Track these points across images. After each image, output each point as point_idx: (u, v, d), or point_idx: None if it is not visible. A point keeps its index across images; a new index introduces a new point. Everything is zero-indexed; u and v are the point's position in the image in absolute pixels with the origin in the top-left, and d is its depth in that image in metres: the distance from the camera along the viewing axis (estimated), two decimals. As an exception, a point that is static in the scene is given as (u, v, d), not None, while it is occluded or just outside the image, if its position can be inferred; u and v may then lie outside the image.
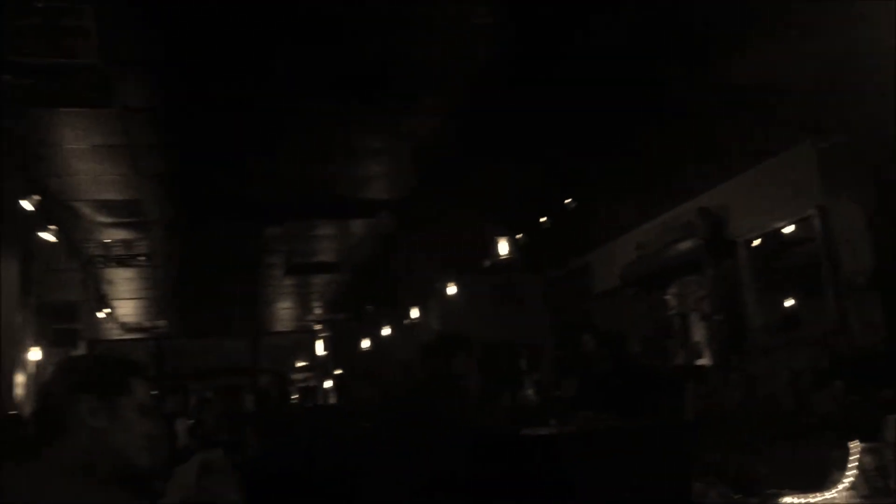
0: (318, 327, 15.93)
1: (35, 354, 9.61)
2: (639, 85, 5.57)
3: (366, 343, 12.49)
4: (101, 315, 11.27)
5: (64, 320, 11.93)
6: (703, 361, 7.69)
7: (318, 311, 14.24)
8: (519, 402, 6.96)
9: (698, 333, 8.03)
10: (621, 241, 9.38)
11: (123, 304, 12.33)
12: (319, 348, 17.20)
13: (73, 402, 1.81)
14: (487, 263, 8.97)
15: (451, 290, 9.59)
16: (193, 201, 7.32)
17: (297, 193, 7.30)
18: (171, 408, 7.61)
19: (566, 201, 7.13)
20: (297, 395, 10.76)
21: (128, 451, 1.80)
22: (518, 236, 7.86)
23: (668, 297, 8.43)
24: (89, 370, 1.92)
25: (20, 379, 8.15)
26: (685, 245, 7.90)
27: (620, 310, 9.27)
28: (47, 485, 1.69)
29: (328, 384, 16.06)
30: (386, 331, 11.03)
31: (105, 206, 7.24)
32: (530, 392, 8.74)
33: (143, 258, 9.11)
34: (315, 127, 5.79)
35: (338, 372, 15.22)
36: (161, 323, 14.34)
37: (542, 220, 7.47)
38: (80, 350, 13.76)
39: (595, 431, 5.22)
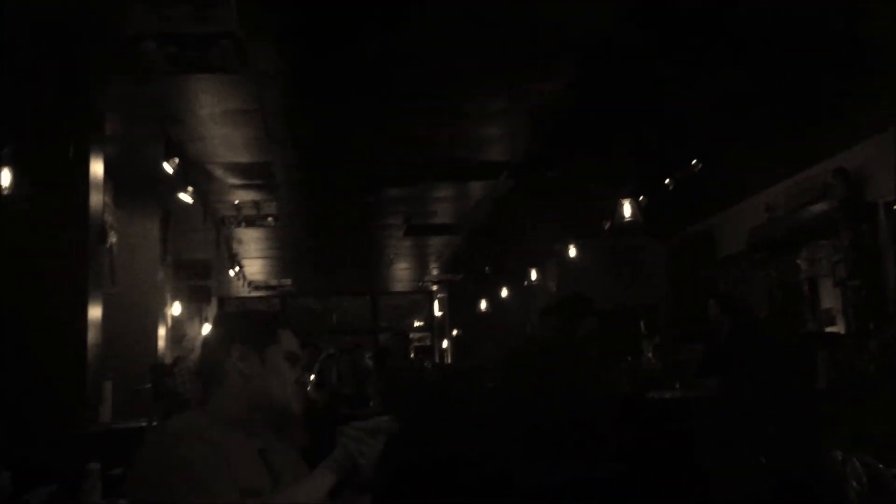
0: (434, 288, 16.17)
1: (176, 309, 10.20)
2: (771, 43, 5.33)
3: (483, 304, 12.59)
4: (231, 273, 11.82)
5: (198, 277, 12.62)
6: (837, 329, 7.36)
7: (435, 271, 14.44)
8: (641, 366, 6.87)
9: (831, 300, 7.67)
10: (748, 204, 9.05)
11: (251, 263, 12.88)
12: (436, 308, 17.48)
13: (227, 354, 1.95)
14: (607, 226, 8.84)
15: (571, 252, 9.52)
16: (319, 164, 7.53)
17: (417, 156, 7.37)
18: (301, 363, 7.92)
19: (692, 163, 6.91)
20: (415, 355, 10.96)
21: (278, 396, 1.94)
22: (640, 199, 7.68)
23: (798, 261, 8.08)
24: (241, 323, 2.06)
25: (161, 332, 8.67)
26: (819, 207, 7.55)
27: (747, 274, 8.97)
28: (211, 433, 1.81)
29: (445, 344, 16.34)
30: (504, 292, 11.08)
31: (237, 168, 7.55)
32: (650, 357, 8.63)
33: (270, 219, 9.46)
34: (438, 90, 5.82)
35: (455, 332, 15.45)
36: (286, 282, 14.91)
37: (666, 181, 7.27)
38: (212, 307, 14.56)
39: (722, 397, 5.17)
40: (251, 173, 7.69)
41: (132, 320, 7.93)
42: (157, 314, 8.47)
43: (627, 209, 7.08)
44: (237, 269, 11.99)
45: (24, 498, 2.82)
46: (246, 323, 2.07)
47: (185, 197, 7.20)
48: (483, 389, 5.93)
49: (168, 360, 8.24)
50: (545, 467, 4.17)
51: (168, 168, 6.48)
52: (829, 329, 7.48)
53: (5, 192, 4.37)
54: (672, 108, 6.50)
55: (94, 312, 5.60)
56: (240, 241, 10.98)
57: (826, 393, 5.48)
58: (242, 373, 1.93)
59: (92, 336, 5.50)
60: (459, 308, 15.15)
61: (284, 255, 12.43)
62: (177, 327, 10.33)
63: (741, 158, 8.07)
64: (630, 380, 5.91)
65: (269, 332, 2.00)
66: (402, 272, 14.77)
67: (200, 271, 12.22)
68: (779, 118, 6.94)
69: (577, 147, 7.22)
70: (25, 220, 5.03)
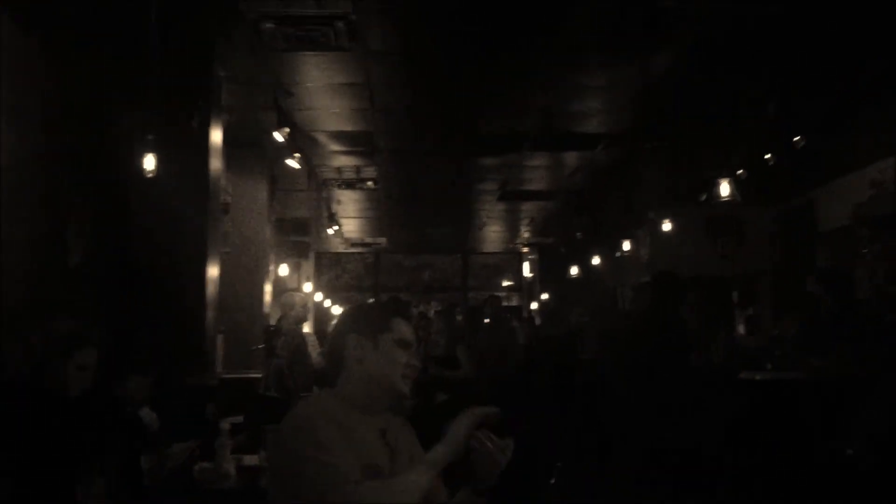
0: (525, 249, 16.30)
1: (283, 270, 10.68)
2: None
3: (574, 270, 12.66)
4: (330, 231, 12.26)
5: (299, 233, 13.16)
6: (942, 312, 7.17)
7: (526, 234, 14.58)
8: (736, 343, 6.87)
9: (938, 281, 7.46)
10: (854, 177, 8.80)
11: (349, 222, 13.31)
12: (526, 269, 17.61)
13: (346, 343, 2.17)
14: (703, 197, 8.78)
15: (665, 224, 9.47)
16: (419, 133, 7.76)
17: (515, 126, 7.49)
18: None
19: (795, 139, 6.81)
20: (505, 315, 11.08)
21: (390, 378, 2.11)
22: (740, 172, 7.61)
23: (904, 240, 7.85)
24: (357, 315, 2.27)
25: (268, 288, 9.14)
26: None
27: (850, 250, 8.77)
28: (337, 413, 2.05)
29: (534, 305, 16.50)
30: (595, 260, 11.12)
31: (341, 136, 7.85)
32: (742, 332, 8.58)
33: (370, 182, 9.79)
34: (541, 64, 5.92)
35: (545, 296, 15.58)
36: (381, 240, 15.32)
37: (768, 156, 7.18)
38: (311, 261, 15.12)
39: (814, 379, 5.18)
40: (354, 141, 7.99)
41: (241, 277, 8.42)
42: (264, 272, 8.92)
43: (725, 188, 7.02)
44: (336, 227, 12.41)
45: (167, 451, 3.16)
46: (361, 314, 2.25)
47: (293, 162, 7.54)
48: (577, 358, 6.09)
49: (273, 319, 8.69)
50: (646, 438, 4.32)
51: (278, 137, 6.83)
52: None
53: (150, 175, 4.71)
54: (777, 82, 6.43)
55: (213, 272, 6.03)
56: (339, 202, 11.38)
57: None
58: (358, 359, 2.12)
59: (210, 294, 5.94)
60: (550, 271, 15.26)
61: (380, 216, 12.79)
62: (278, 284, 10.82)
63: (847, 132, 7.89)
64: (724, 355, 5.95)
65: (382, 321, 2.16)
66: (493, 234, 14.97)
67: (301, 228, 12.72)
68: (888, 91, 6.77)
69: (679, 120, 7.22)
70: (154, 186, 5.43)
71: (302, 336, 8.15)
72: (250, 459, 3.29)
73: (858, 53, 5.96)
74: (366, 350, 2.13)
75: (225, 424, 3.11)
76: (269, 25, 5.02)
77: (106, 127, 5.21)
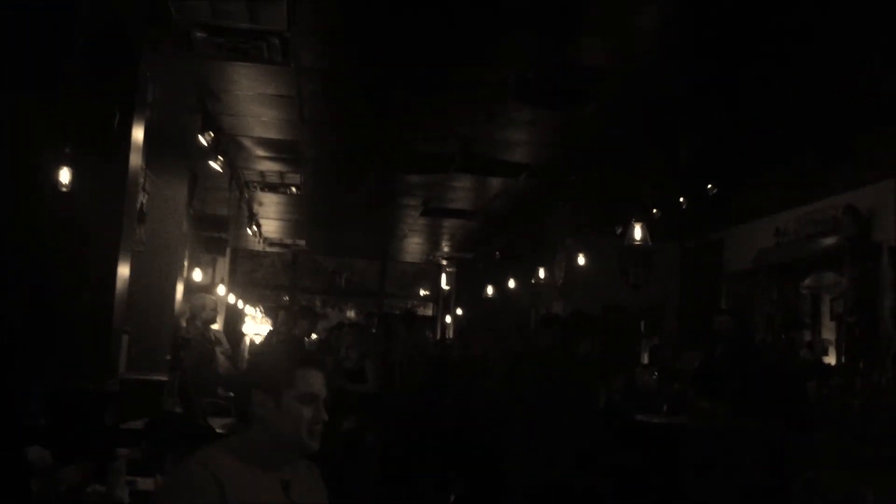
0: (444, 262, 16.43)
1: (197, 275, 10.47)
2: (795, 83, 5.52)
3: (490, 290, 12.84)
4: (249, 232, 12.10)
5: (215, 230, 12.94)
6: (829, 360, 7.60)
7: (446, 248, 14.71)
8: (633, 381, 7.12)
9: (828, 331, 7.91)
10: (759, 224, 9.23)
11: (269, 223, 13.16)
12: (444, 281, 17.75)
13: (249, 399, 2.18)
14: (619, 231, 9.06)
15: (580, 253, 9.74)
16: (347, 148, 7.77)
17: (441, 149, 7.58)
18: (300, 332, 8.05)
19: (708, 186, 7.12)
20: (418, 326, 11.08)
21: (292, 436, 2.10)
22: (654, 211, 7.90)
23: (801, 289, 8.29)
24: (260, 368, 2.26)
25: (180, 287, 8.97)
26: (827, 240, 7.74)
27: (750, 293, 9.19)
28: (229, 474, 2.04)
29: (448, 319, 16.64)
30: (511, 282, 11.33)
31: (268, 143, 7.78)
32: (643, 371, 8.87)
33: (293, 188, 9.73)
34: (469, 93, 6.03)
35: (459, 311, 15.72)
36: (301, 242, 15.21)
37: (681, 200, 7.48)
38: (227, 259, 14.87)
39: (704, 426, 5.44)
40: (280, 149, 7.93)
41: (153, 275, 8.23)
42: (178, 271, 8.76)
43: (638, 232, 7.28)
44: (255, 228, 12.26)
45: (57, 475, 3.09)
46: (264, 368, 2.22)
47: (216, 165, 7.44)
48: (481, 387, 6.20)
49: (183, 319, 8.54)
50: (529, 471, 4.45)
51: (203, 140, 6.74)
52: (823, 359, 7.71)
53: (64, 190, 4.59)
54: (694, 129, 6.70)
55: (123, 271, 5.89)
56: (260, 203, 11.25)
57: (804, 430, 5.73)
58: (261, 418, 2.11)
59: (119, 294, 5.80)
60: (466, 286, 15.43)
61: (301, 219, 12.70)
62: (191, 284, 10.61)
63: (757, 181, 8.29)
64: (621, 397, 6.17)
65: (285, 375, 2.12)
66: (414, 245, 15.03)
67: (220, 225, 12.52)
68: (799, 149, 7.15)
69: (599, 157, 7.44)
70: (68, 182, 5.28)
71: (210, 340, 8.05)
72: (144, 483, 3.25)
73: (772, 112, 6.28)
74: (268, 408, 2.11)
75: (122, 450, 3.06)
76: (200, 34, 4.95)
77: (20, 125, 5.06)
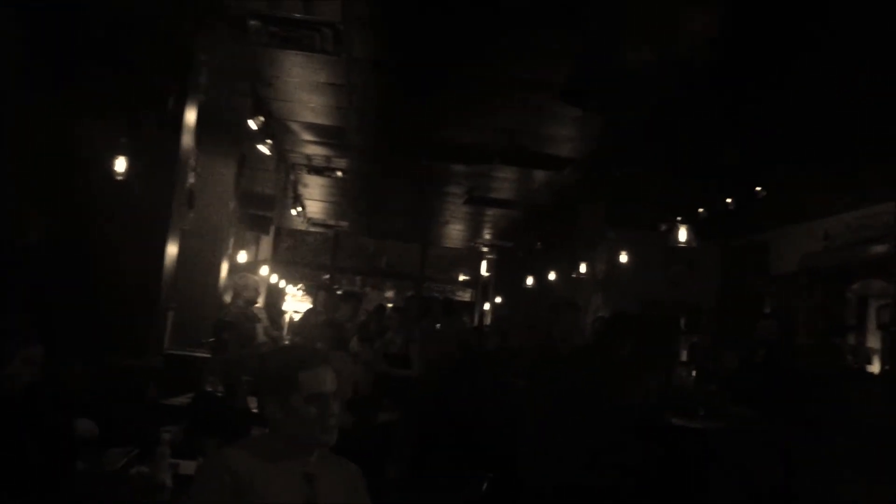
0: (484, 249, 16.44)
1: (241, 257, 10.63)
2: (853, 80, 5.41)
3: (530, 280, 12.83)
4: (293, 212, 12.24)
5: (261, 208, 13.11)
6: (872, 370, 7.49)
7: (487, 236, 14.71)
8: (671, 381, 7.09)
9: (873, 339, 7.78)
10: (807, 227, 9.09)
11: (313, 205, 13.30)
12: (483, 267, 17.76)
13: (262, 402, 2.24)
14: (662, 227, 9.00)
15: (622, 248, 9.69)
16: (395, 135, 7.81)
17: (489, 140, 7.59)
18: (342, 315, 8.14)
19: (756, 189, 7.02)
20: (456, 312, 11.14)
21: (303, 437, 2.15)
22: (700, 210, 7.82)
23: (848, 295, 8.17)
24: (264, 374, 2.26)
25: (225, 265, 9.13)
26: (876, 247, 7.60)
27: (795, 296, 9.07)
28: (242, 464, 2.12)
29: (487, 306, 16.66)
30: (551, 275, 11.31)
31: (315, 128, 7.86)
32: (686, 358, 8.83)
33: (339, 172, 9.81)
34: (518, 89, 6.03)
35: (498, 299, 15.73)
36: (343, 223, 15.33)
37: (728, 201, 7.39)
38: (270, 237, 15.07)
39: (739, 430, 5.40)
40: (327, 134, 8.00)
41: (200, 254, 8.40)
42: (224, 250, 8.91)
43: (683, 234, 7.22)
44: (300, 209, 12.40)
45: (102, 457, 3.21)
46: (268, 374, 2.23)
47: (264, 149, 7.54)
48: (514, 382, 6.23)
49: (226, 295, 8.70)
50: (555, 471, 4.46)
51: (252, 125, 6.84)
52: (866, 368, 7.60)
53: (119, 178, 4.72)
54: (745, 129, 6.60)
55: (172, 249, 6.04)
56: (305, 185, 11.36)
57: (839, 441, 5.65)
58: (273, 420, 2.17)
59: (167, 272, 5.95)
60: (506, 275, 15.43)
61: (345, 201, 12.81)
62: (235, 264, 10.77)
63: (806, 184, 8.14)
64: (657, 398, 6.14)
65: (287, 380, 2.14)
66: (455, 231, 15.06)
67: (265, 203, 12.68)
68: (849, 152, 7.00)
69: (646, 154, 7.38)
70: (122, 163, 5.43)
71: (252, 318, 8.18)
72: (187, 467, 3.34)
73: (822, 112, 6.16)
74: (276, 413, 2.16)
75: (165, 434, 3.15)
76: (254, 23, 5.02)
77: (78, 105, 5.21)
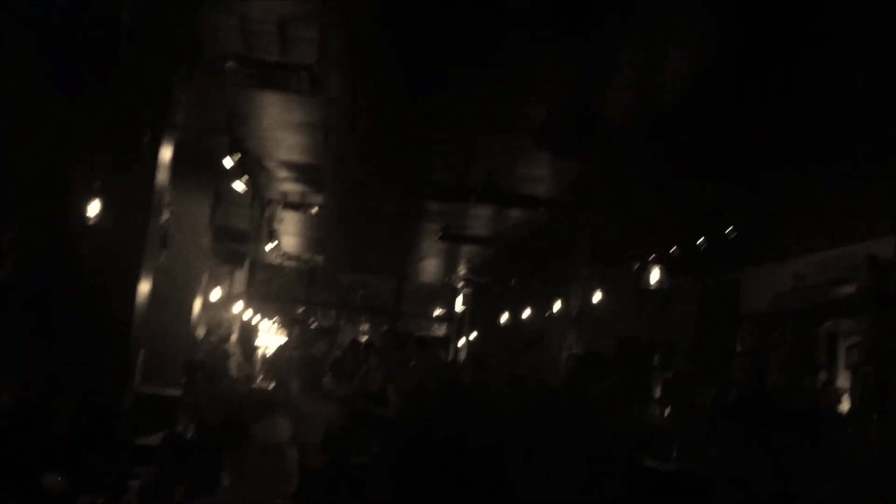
0: (460, 285, 16.47)
1: (215, 294, 10.56)
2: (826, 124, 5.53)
3: (505, 316, 12.85)
4: (268, 247, 12.22)
5: (235, 243, 13.05)
6: (842, 409, 7.55)
7: (463, 272, 14.76)
8: (646, 420, 7.11)
9: (843, 379, 7.86)
10: (777, 266, 9.19)
11: (289, 239, 13.28)
12: (459, 302, 17.77)
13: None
14: (636, 266, 9.07)
15: (596, 284, 9.75)
16: (370, 174, 7.86)
17: (464, 179, 7.66)
18: (318, 351, 8.11)
19: (728, 230, 7.12)
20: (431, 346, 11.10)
21: (263, 485, 2.10)
22: (672, 250, 7.91)
23: (818, 335, 8.26)
24: (226, 424, 2.27)
25: (198, 302, 9.06)
26: (845, 288, 7.70)
27: (767, 334, 9.14)
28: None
29: (462, 341, 16.64)
30: (526, 311, 11.35)
31: (292, 166, 7.88)
32: (660, 395, 8.83)
33: (315, 209, 9.83)
34: (494, 130, 6.12)
35: (474, 334, 15.72)
36: (319, 258, 15.31)
37: (700, 241, 7.48)
38: (245, 268, 14.97)
39: (712, 473, 5.42)
40: (303, 172, 8.04)
41: (173, 290, 8.32)
42: (197, 286, 8.85)
43: (655, 274, 7.29)
44: (274, 243, 12.38)
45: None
46: (221, 424, 2.30)
47: (240, 185, 7.53)
48: (490, 416, 6.20)
49: (199, 333, 8.63)
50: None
51: (229, 162, 6.84)
52: (835, 407, 7.65)
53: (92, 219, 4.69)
54: (715, 170, 6.71)
55: (144, 288, 5.98)
56: (281, 220, 11.36)
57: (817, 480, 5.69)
58: (230, 469, 2.16)
59: (139, 310, 5.88)
60: (481, 310, 15.44)
61: (320, 235, 12.81)
62: (209, 302, 10.70)
63: (777, 223, 8.27)
64: (630, 436, 6.15)
65: (241, 431, 2.12)
66: (431, 266, 15.10)
67: (239, 238, 12.63)
68: (820, 193, 7.15)
69: (619, 194, 7.48)
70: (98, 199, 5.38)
71: (224, 356, 8.12)
72: (156, 514, 3.30)
73: (795, 155, 6.28)
74: (233, 464, 2.14)
75: (134, 482, 3.11)
76: (231, 64, 5.05)
77: (53, 143, 5.18)
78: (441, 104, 5.79)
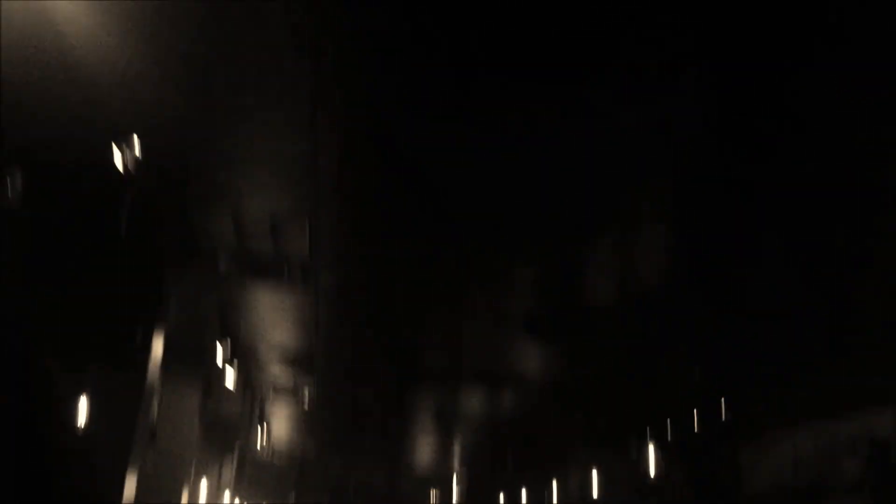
0: (455, 473, 16.03)
1: (203, 484, 10.29)
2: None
3: (502, 499, 12.42)
4: (257, 435, 12.01)
5: (227, 436, 12.82)
6: None
7: (457, 459, 14.45)
8: None
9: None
10: (775, 441, 9.00)
11: (279, 427, 13.08)
12: (454, 490, 17.18)
13: None
14: (633, 449, 8.93)
15: (593, 468, 9.56)
16: (358, 362, 7.92)
17: (454, 362, 7.71)
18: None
19: (722, 418, 7.11)
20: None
21: None
22: (668, 437, 7.85)
23: (823, 515, 7.99)
24: None
25: (185, 496, 8.76)
26: (845, 464, 7.55)
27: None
28: None
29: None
30: (524, 494, 11.02)
31: (283, 351, 7.95)
32: None
33: (305, 394, 9.78)
34: (482, 319, 6.24)
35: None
36: (309, 450, 15.00)
37: (694, 426, 7.44)
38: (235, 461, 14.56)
39: None
40: (294, 357, 8.08)
41: (159, 487, 8.08)
42: (184, 482, 8.61)
43: (652, 466, 7.18)
44: (264, 437, 12.19)
45: None
46: None
47: (230, 372, 7.55)
48: None
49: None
50: None
51: (220, 349, 6.91)
52: None
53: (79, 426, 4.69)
54: (705, 350, 6.78)
55: (129, 489, 5.82)
56: (271, 410, 11.26)
57: None
58: None
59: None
60: (477, 497, 14.92)
61: (311, 426, 12.62)
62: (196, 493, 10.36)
63: (772, 398, 8.21)
64: None
65: None
66: (424, 451, 14.76)
67: (231, 431, 12.43)
68: (816, 367, 7.17)
69: (610, 378, 7.50)
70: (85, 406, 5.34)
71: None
72: None
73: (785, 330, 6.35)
74: None
75: None
76: (224, 257, 5.24)
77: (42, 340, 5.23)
78: (434, 293, 5.95)
